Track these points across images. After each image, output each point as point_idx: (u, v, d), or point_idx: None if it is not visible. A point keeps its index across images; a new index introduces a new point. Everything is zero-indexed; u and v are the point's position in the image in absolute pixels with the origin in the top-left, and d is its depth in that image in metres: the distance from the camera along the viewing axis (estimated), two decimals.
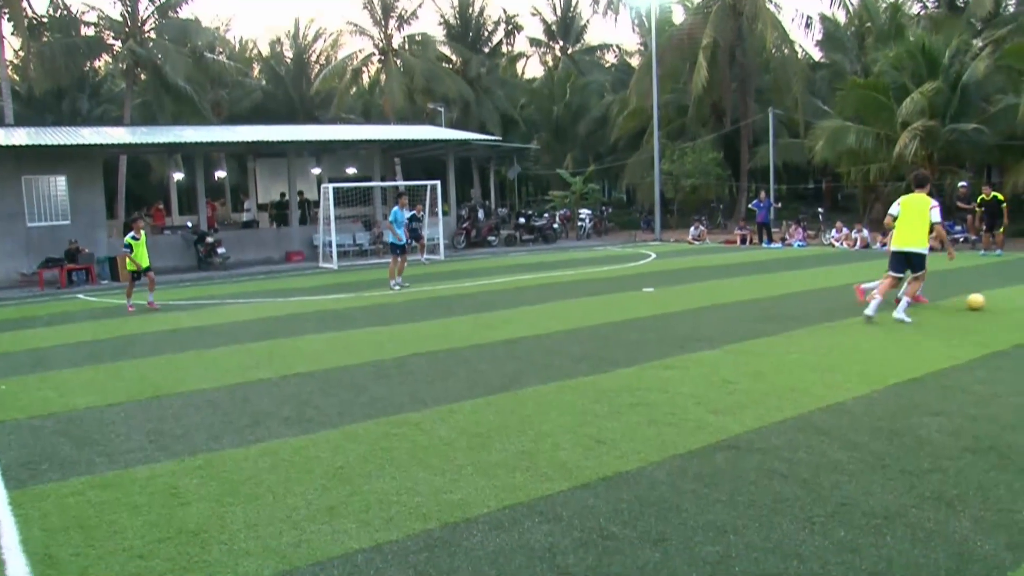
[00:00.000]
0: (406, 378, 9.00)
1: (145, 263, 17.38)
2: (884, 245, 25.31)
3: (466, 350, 10.55)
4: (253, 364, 10.21)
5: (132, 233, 17.28)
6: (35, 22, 37.37)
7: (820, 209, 35.83)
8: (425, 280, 20.36)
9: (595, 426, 6.81)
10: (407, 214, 20.10)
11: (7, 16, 33.48)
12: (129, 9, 39.33)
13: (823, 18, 41.91)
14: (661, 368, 8.95)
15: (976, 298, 12.41)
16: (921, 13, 38.82)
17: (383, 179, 35.90)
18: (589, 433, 6.61)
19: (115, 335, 13.41)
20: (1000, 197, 23.17)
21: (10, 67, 37.32)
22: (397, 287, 18.71)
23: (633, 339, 10.92)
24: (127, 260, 17.48)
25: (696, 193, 39.59)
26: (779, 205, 34.24)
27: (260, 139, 30.69)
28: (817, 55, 45.39)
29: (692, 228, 32.98)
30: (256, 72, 55.28)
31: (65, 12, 38.68)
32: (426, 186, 29.41)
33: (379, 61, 48.96)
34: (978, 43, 31.53)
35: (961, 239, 24.61)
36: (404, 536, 4.79)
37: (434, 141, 35.24)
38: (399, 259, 19.24)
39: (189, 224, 33.03)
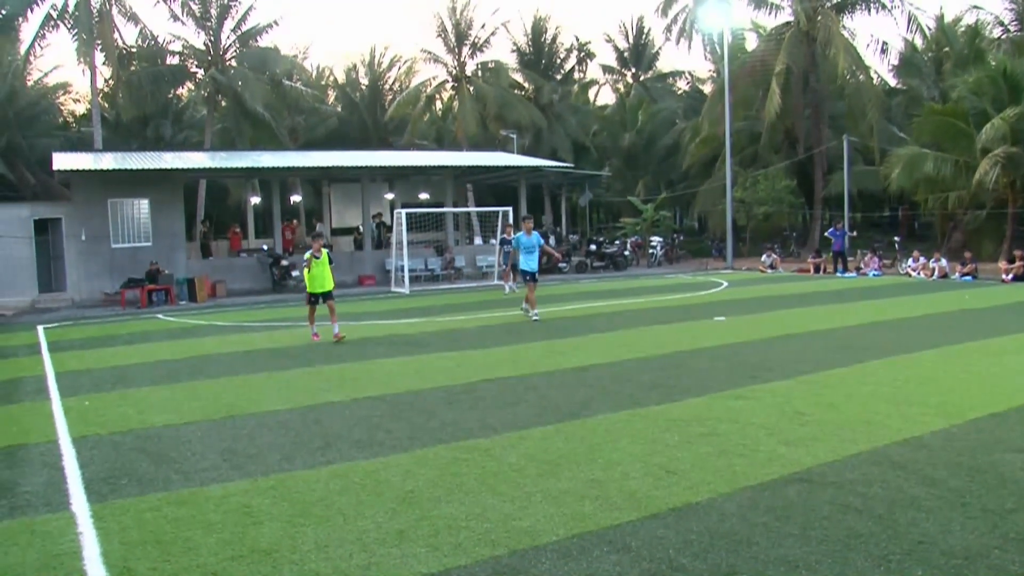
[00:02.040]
0: (476, 404, 9.03)
1: (327, 286, 15.13)
2: (963, 275, 24.67)
3: (536, 377, 10.55)
4: (325, 387, 10.36)
5: (312, 251, 15.10)
6: (124, 52, 38.79)
7: (896, 238, 35.09)
8: (496, 306, 20.43)
9: (665, 456, 6.75)
10: (531, 239, 17.29)
11: (100, 47, 34.84)
12: (212, 39, 40.59)
13: (902, 43, 41.24)
14: (732, 398, 8.83)
15: None
16: (1002, 36, 37.85)
17: (455, 205, 36.24)
18: (659, 463, 6.55)
19: (192, 355, 13.75)
20: None
21: (100, 95, 38.67)
22: (536, 318, 16.70)
23: (704, 368, 10.80)
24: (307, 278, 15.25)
25: (769, 221, 39.13)
26: (854, 234, 33.61)
27: (334, 164, 31.31)
28: (893, 81, 44.64)
29: (764, 256, 32.53)
30: (332, 99, 56.37)
31: (152, 42, 40.07)
32: (498, 212, 29.57)
33: (452, 88, 49.54)
34: None
35: None
36: (472, 562, 4.80)
37: (506, 168, 35.51)
38: (532, 286, 17.10)
39: (265, 247, 33.77)
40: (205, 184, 37.96)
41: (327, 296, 15.07)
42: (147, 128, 45.28)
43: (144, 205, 27.40)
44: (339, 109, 54.36)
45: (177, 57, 41.49)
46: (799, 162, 39.57)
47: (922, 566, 4.54)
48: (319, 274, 14.99)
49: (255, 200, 42.16)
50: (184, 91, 48.36)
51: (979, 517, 5.23)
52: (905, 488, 5.79)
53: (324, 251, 15.20)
